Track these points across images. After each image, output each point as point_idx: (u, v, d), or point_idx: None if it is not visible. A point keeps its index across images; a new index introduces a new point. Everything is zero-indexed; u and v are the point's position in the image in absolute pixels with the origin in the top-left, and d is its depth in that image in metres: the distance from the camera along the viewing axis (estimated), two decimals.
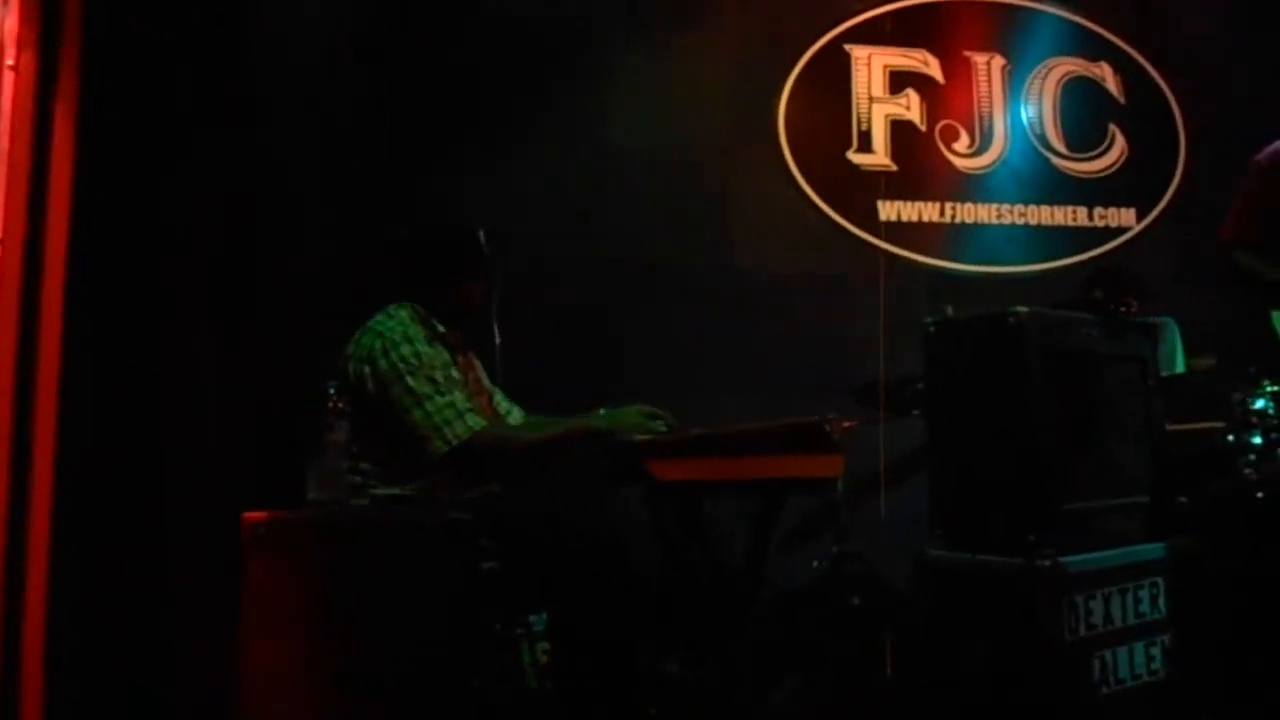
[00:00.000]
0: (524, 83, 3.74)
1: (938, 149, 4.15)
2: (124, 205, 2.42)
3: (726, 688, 2.26)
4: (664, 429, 2.31)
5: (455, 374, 2.43)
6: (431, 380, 2.33)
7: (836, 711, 2.78)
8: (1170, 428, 2.61)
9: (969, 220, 4.14)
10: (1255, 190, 2.87)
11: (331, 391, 2.14)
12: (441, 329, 2.48)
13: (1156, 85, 4.33)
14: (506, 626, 2.28)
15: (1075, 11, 4.31)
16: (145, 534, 2.37)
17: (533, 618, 2.33)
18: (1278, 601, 2.50)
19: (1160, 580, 2.34)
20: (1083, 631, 2.17)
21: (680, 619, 2.32)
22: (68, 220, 2.22)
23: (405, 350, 2.35)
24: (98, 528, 2.25)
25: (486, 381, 2.64)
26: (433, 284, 2.51)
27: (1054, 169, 4.22)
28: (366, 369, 2.34)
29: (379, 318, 2.45)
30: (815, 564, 3.37)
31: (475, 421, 2.33)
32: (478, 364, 2.65)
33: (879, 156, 4.10)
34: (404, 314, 2.45)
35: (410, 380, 2.32)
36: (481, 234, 2.52)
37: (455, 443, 2.28)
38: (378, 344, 2.36)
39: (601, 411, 2.38)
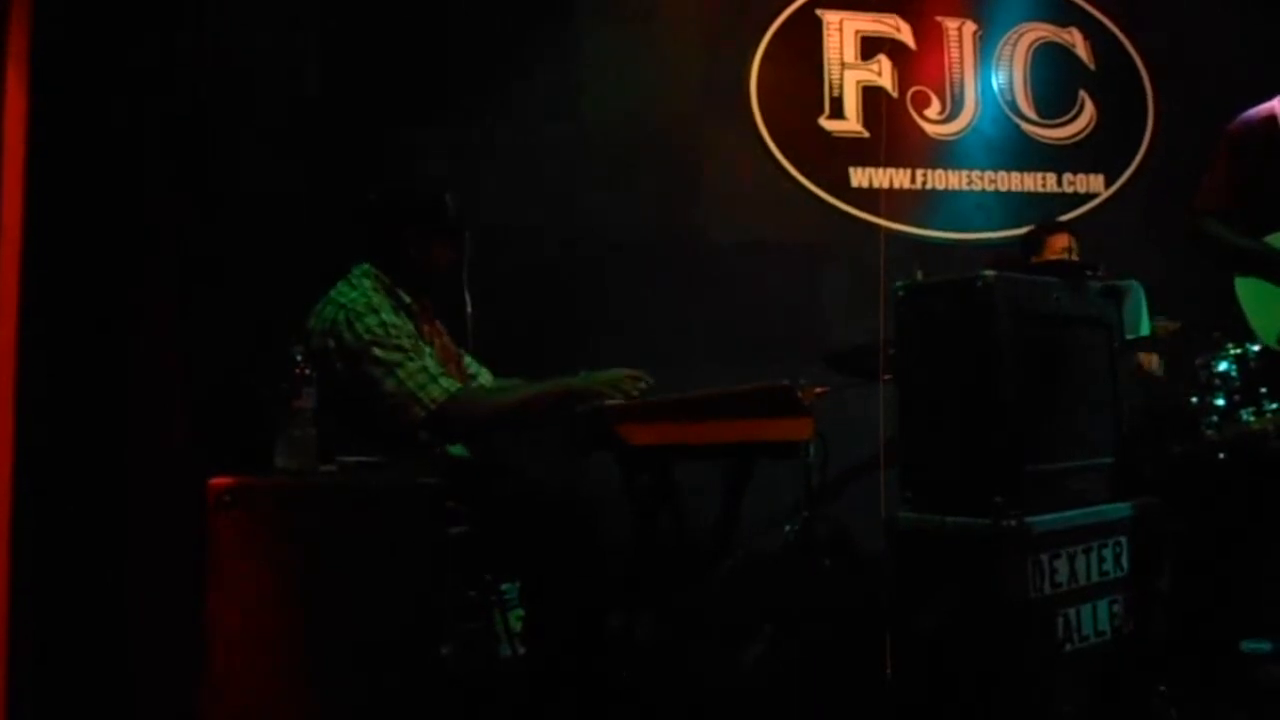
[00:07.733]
0: (493, 50, 3.68)
1: (909, 115, 4.14)
2: (82, 164, 2.36)
3: (697, 650, 2.28)
4: (644, 386, 2.28)
5: (422, 344, 2.39)
6: (400, 348, 2.29)
7: (804, 672, 2.81)
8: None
9: (940, 186, 4.14)
10: (1227, 160, 2.84)
11: (298, 358, 2.10)
12: (407, 299, 2.43)
13: (1126, 51, 4.34)
14: (480, 593, 2.27)
15: None
16: (107, 502, 2.34)
17: (506, 585, 2.33)
18: (1238, 560, 2.56)
19: (1124, 539, 2.38)
20: (1047, 590, 2.20)
21: (651, 582, 2.32)
22: (22, 177, 2.17)
23: (371, 321, 2.29)
24: (57, 495, 2.22)
25: (453, 346, 2.59)
26: (399, 245, 2.43)
27: (1024, 135, 4.23)
28: (331, 343, 2.27)
29: (341, 287, 2.39)
30: (787, 528, 3.40)
31: (450, 384, 2.30)
32: (443, 330, 2.60)
33: (851, 123, 4.09)
34: (367, 283, 2.38)
35: (379, 351, 2.27)
36: (448, 196, 2.48)
37: (433, 406, 2.25)
38: (341, 316, 2.29)
39: (582, 374, 2.34)
